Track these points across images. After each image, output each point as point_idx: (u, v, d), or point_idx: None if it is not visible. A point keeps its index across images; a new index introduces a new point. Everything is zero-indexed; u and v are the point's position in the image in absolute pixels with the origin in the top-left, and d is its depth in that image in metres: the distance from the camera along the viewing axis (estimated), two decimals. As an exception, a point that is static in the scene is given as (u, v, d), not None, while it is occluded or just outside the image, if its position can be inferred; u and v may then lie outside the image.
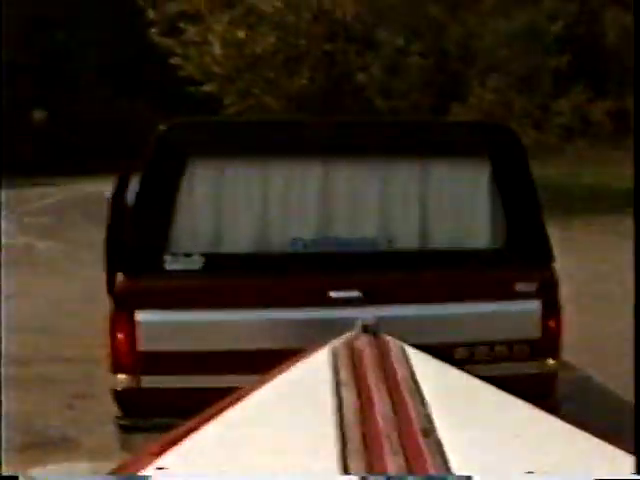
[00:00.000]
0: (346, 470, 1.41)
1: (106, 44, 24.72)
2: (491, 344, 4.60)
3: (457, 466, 1.42)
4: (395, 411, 1.69)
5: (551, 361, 4.70)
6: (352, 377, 1.94)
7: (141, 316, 4.40)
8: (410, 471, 1.39)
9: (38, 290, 9.99)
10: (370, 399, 1.77)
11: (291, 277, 4.58)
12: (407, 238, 4.70)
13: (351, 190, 4.67)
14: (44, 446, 5.48)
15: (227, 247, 4.60)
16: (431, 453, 1.46)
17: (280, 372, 2.17)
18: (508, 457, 1.57)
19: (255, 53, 16.37)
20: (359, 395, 1.80)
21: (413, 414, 1.66)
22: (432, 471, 1.38)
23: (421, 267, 4.67)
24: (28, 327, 8.24)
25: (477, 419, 1.78)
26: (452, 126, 6.00)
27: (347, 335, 2.49)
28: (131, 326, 4.40)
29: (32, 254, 12.18)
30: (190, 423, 2.03)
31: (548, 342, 4.67)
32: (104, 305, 4.63)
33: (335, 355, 2.18)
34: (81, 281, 10.05)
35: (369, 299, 4.46)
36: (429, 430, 1.56)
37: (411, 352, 2.22)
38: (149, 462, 1.56)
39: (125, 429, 4.45)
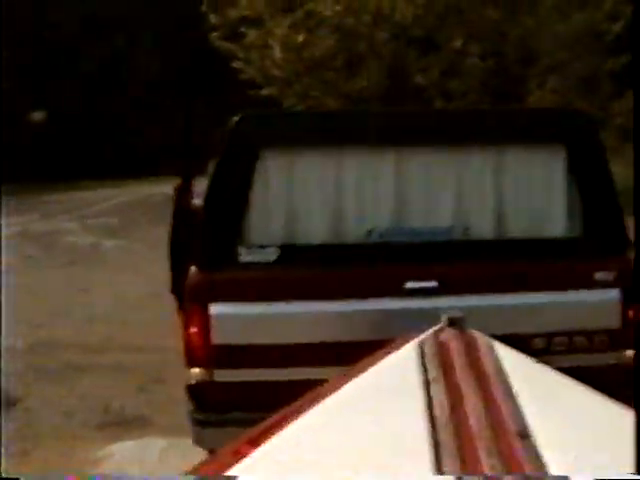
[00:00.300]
0: (440, 471, 1.37)
1: (167, 48, 25.24)
2: (569, 334, 4.49)
3: (555, 469, 1.38)
4: (487, 410, 1.64)
5: (630, 352, 4.55)
6: (441, 374, 1.88)
7: (215, 309, 4.37)
8: (505, 471, 1.36)
9: (107, 285, 10.47)
10: (461, 397, 1.72)
11: (367, 268, 4.52)
12: (483, 227, 4.63)
13: (426, 179, 4.62)
14: (120, 425, 5.90)
15: (301, 238, 4.56)
16: (527, 455, 1.42)
17: (364, 368, 2.08)
18: (606, 459, 1.51)
19: (314, 56, 16.70)
20: (449, 393, 1.75)
21: (506, 414, 1.61)
22: (529, 472, 1.36)
23: (498, 256, 4.58)
24: (101, 319, 8.72)
25: (571, 419, 1.70)
26: (528, 113, 5.96)
27: (432, 328, 2.39)
28: (205, 319, 4.36)
29: (99, 252, 12.67)
30: (270, 421, 2.02)
31: (628, 332, 4.52)
32: (170, 299, 4.91)
33: (421, 350, 2.10)
34: (147, 277, 10.52)
35: (446, 289, 4.41)
36: (524, 431, 1.52)
37: (499, 348, 2.13)
38: (232, 462, 1.54)
39: (199, 423, 4.44)
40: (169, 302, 5.18)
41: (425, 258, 4.52)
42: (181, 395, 4.62)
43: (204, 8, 19.34)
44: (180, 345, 4.56)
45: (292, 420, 1.72)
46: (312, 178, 4.56)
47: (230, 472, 1.46)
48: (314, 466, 1.45)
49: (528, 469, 1.37)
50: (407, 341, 2.26)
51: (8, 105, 21.38)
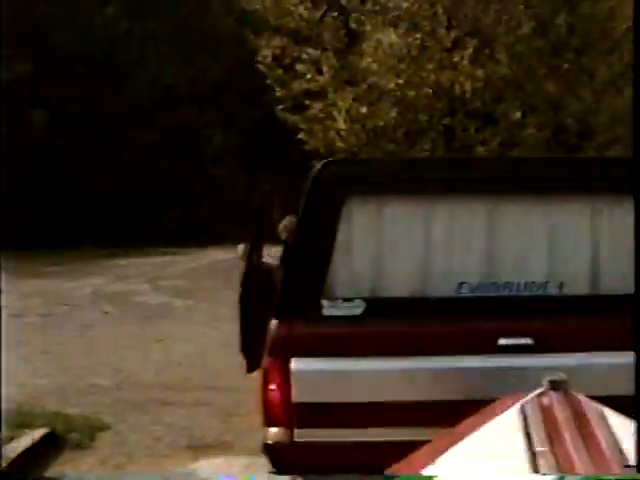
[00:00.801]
0: None
1: (232, 122, 26.35)
2: None
3: None
4: None
5: None
6: (548, 444, 1.76)
7: (297, 364, 4.22)
8: None
9: (180, 337, 11.28)
10: (574, 473, 1.61)
11: (458, 323, 4.34)
12: (579, 282, 4.46)
13: (519, 230, 4.46)
14: (206, 447, 6.62)
15: (388, 291, 4.40)
16: None
17: (463, 435, 1.98)
18: None
19: (377, 127, 17.68)
20: (559, 468, 1.64)
21: None
22: None
23: (595, 313, 4.37)
24: (177, 364, 9.51)
25: None
26: (622, 162, 6.13)
27: (534, 392, 2.24)
28: (286, 375, 4.21)
29: (170, 309, 13.49)
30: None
31: None
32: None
33: (524, 415, 1.99)
34: (217, 330, 11.32)
35: (541, 347, 4.25)
36: None
37: (610, 415, 2.02)
38: None
39: None
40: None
41: (519, 314, 4.34)
42: (258, 424, 4.61)
43: (269, 81, 20.51)
44: (251, 384, 4.94)
45: None
46: (400, 227, 4.42)
47: None
48: None
49: None
50: (507, 405, 2.10)
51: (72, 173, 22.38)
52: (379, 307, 4.32)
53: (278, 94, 20.26)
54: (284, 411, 4.25)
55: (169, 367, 9.30)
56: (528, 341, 4.26)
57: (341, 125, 19.72)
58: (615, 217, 4.42)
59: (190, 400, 7.98)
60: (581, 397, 2.21)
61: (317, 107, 19.93)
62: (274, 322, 4.32)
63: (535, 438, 1.78)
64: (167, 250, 21.22)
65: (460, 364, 4.27)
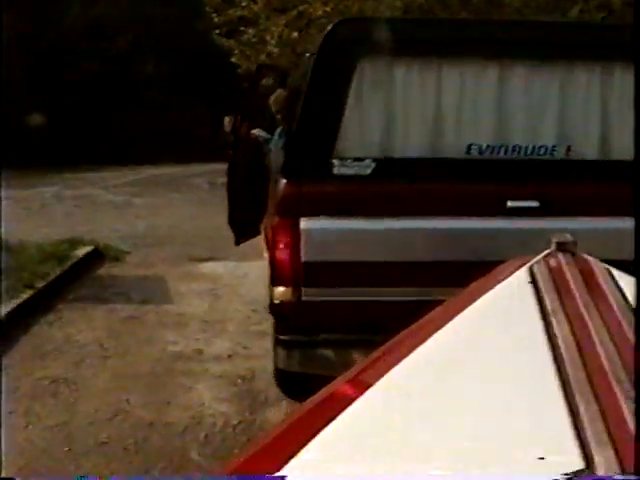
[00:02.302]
0: (577, 426, 1.21)
1: (167, 47, 28.67)
2: None
3: None
4: (617, 347, 1.49)
5: None
6: (559, 305, 1.73)
7: (307, 223, 4.33)
8: None
9: (156, 214, 14.11)
10: (588, 333, 1.57)
11: (466, 184, 4.47)
12: (587, 146, 4.56)
13: (528, 94, 4.53)
14: (202, 259, 9.69)
15: (398, 152, 4.49)
16: None
17: (472, 299, 1.89)
18: None
19: (307, 51, 20.71)
20: (573, 328, 1.59)
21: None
22: None
23: (602, 178, 4.48)
24: (165, 226, 12.50)
25: None
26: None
27: (542, 254, 2.21)
28: (295, 235, 4.33)
29: (132, 205, 16.28)
30: (373, 360, 1.90)
31: None
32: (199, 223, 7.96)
33: (533, 277, 1.95)
34: (183, 212, 14.23)
35: (547, 210, 4.39)
36: None
37: (618, 275, 1.98)
38: (337, 409, 1.37)
39: (284, 345, 4.53)
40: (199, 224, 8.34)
41: (526, 177, 4.50)
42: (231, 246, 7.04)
43: (207, 8, 23.26)
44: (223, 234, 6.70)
45: (400, 359, 1.54)
46: (410, 89, 4.50)
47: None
48: (434, 404, 1.34)
49: None
50: (516, 267, 2.09)
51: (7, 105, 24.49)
52: (389, 167, 4.43)
53: (215, 20, 23.03)
54: (292, 270, 4.38)
55: (156, 228, 12.24)
56: (535, 204, 4.40)
57: (273, 49, 22.64)
58: (625, 83, 4.46)
59: (180, 241, 11.01)
60: (589, 257, 2.16)
61: (251, 32, 22.78)
62: (283, 181, 4.44)
63: (545, 297, 1.76)
64: (105, 167, 23.52)
65: (467, 225, 4.43)
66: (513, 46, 4.53)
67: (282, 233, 4.39)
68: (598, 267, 2.04)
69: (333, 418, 1.33)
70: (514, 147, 4.51)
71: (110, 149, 28.00)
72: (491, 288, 1.94)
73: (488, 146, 4.48)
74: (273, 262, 4.49)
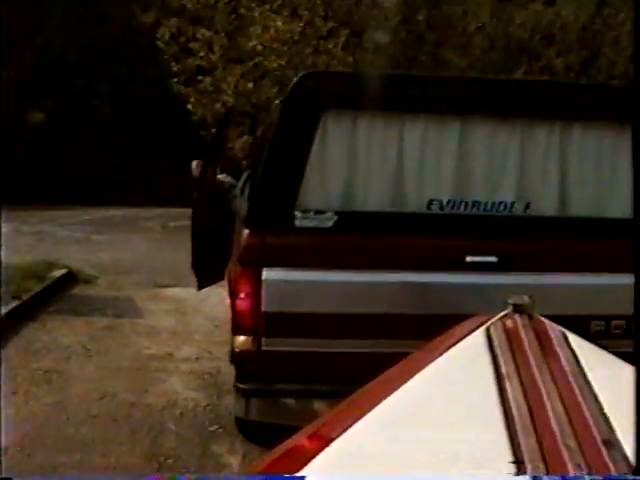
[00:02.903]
0: None
1: (122, 91, 29.85)
2: (628, 318, 4.36)
3: None
4: (568, 414, 1.56)
5: None
6: (514, 368, 1.80)
7: (268, 274, 4.47)
8: None
9: (119, 249, 15.23)
10: (540, 398, 1.64)
11: (426, 239, 4.62)
12: (546, 203, 4.74)
13: (489, 151, 4.71)
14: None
15: (360, 205, 4.66)
16: (618, 469, 1.36)
17: (429, 359, 1.95)
18: None
19: (260, 101, 22.08)
20: (525, 393, 1.66)
21: (589, 418, 1.54)
22: None
23: (559, 234, 4.70)
24: (128, 259, 13.65)
25: None
26: (595, 88, 6.08)
27: (498, 315, 2.24)
28: (257, 285, 4.47)
29: (92, 241, 17.33)
30: (334, 415, 2.06)
31: None
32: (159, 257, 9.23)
33: (490, 338, 2.01)
34: (133, 250, 15.36)
35: (506, 265, 4.57)
36: (612, 441, 1.45)
37: (573, 339, 2.03)
38: (299, 463, 1.48)
39: (243, 394, 4.71)
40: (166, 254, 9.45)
41: (486, 232, 4.66)
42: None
43: (166, 57, 24.66)
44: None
45: (358, 418, 1.60)
46: (373, 143, 4.66)
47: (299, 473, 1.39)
48: (387, 465, 1.39)
49: None
50: (473, 327, 2.12)
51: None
52: (350, 220, 4.60)
53: (174, 69, 24.42)
54: (253, 320, 4.54)
55: (119, 260, 13.39)
56: (493, 259, 4.57)
57: (229, 98, 24.06)
58: (584, 142, 4.71)
59: (144, 271, 12.19)
60: (545, 321, 2.19)
61: (207, 81, 24.19)
62: (246, 231, 4.58)
63: (500, 359, 1.81)
64: (56, 207, 24.33)
65: (428, 279, 4.58)
66: (475, 103, 4.68)
67: (244, 283, 4.56)
68: (553, 330, 2.06)
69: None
70: (474, 203, 4.68)
71: (63, 190, 28.85)
72: (448, 348, 1.95)
73: (449, 201, 4.66)
74: (234, 311, 4.70)
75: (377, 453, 1.46)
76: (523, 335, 2.02)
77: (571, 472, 1.32)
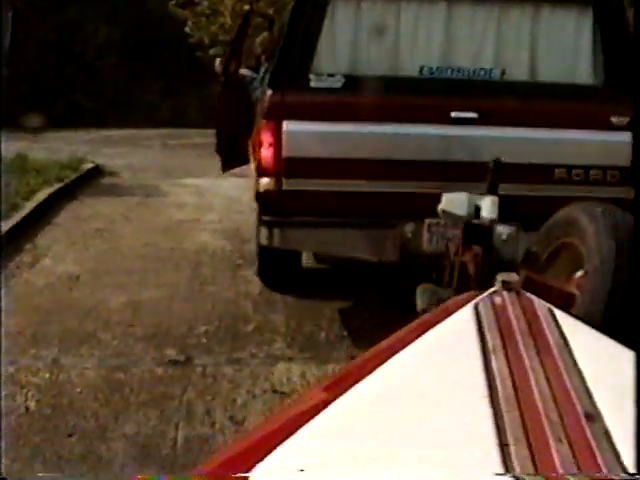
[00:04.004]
0: (506, 460, 1.33)
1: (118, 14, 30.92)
2: (587, 168, 5.52)
3: (626, 455, 1.35)
4: (552, 388, 1.62)
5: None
6: (500, 343, 1.86)
7: (288, 125, 5.44)
8: (577, 462, 1.33)
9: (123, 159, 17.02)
10: (525, 373, 1.70)
11: (419, 98, 5.54)
12: (518, 71, 5.68)
13: (471, 26, 5.65)
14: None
15: (364, 70, 5.63)
16: (599, 443, 1.39)
17: (416, 335, 1.99)
18: None
19: (257, 22, 23.50)
20: (511, 367, 1.73)
21: (573, 393, 1.59)
22: (601, 463, 1.33)
23: (530, 96, 5.61)
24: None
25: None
26: None
27: (487, 291, 2.31)
28: (278, 134, 5.41)
29: (101, 153, 18.92)
30: (320, 389, 2.08)
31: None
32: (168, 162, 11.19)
33: (478, 314, 2.08)
34: (143, 158, 17.13)
35: (485, 120, 5.46)
36: (594, 415, 1.48)
37: (560, 315, 2.10)
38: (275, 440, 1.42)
39: (267, 224, 5.69)
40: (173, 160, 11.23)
41: (468, 93, 5.58)
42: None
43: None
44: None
45: (343, 393, 1.62)
46: (375, 20, 5.65)
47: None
48: (364, 453, 1.39)
49: (601, 459, 1.34)
50: (463, 303, 2.20)
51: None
52: (356, 82, 5.50)
53: (171, -10, 25.87)
54: (275, 164, 5.45)
55: (132, 164, 15.14)
56: (474, 115, 5.44)
57: (226, 20, 25.46)
58: (551, 20, 5.70)
59: (159, 170, 13.99)
60: (533, 297, 2.24)
61: (205, 4, 25.60)
62: (269, 92, 5.57)
63: (488, 337, 1.88)
64: (57, 129, 25.74)
65: (420, 131, 5.50)
66: None
67: (268, 133, 5.46)
68: (541, 307, 2.14)
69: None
70: (459, 69, 5.63)
71: (64, 112, 29.96)
72: (436, 324, 2.02)
73: (437, 67, 5.63)
74: (259, 159, 5.60)
75: (362, 429, 1.48)
76: (510, 311, 2.09)
77: (552, 446, 1.36)
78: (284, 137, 5.41)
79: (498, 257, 4.19)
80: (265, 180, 5.54)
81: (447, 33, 5.63)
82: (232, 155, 7.75)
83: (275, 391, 5.00)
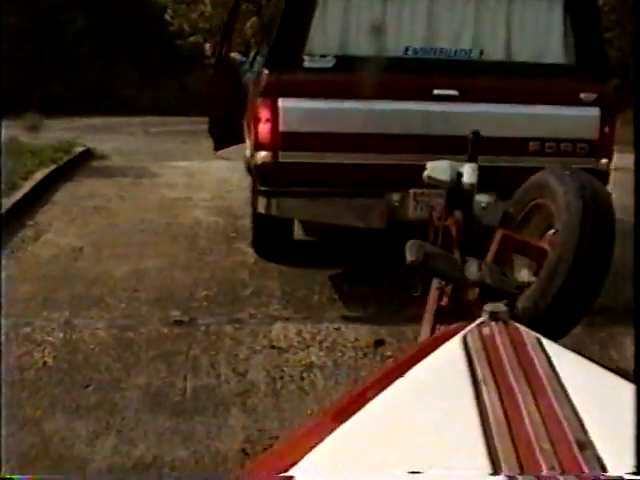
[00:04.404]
0: None
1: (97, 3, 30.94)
2: (558, 141, 5.96)
3: None
4: (543, 417, 1.62)
5: (605, 160, 6.04)
6: (490, 374, 1.86)
7: (283, 102, 5.86)
8: None
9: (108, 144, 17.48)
10: (515, 402, 1.70)
11: (404, 76, 5.93)
12: (496, 51, 6.11)
13: (452, 10, 6.07)
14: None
15: (353, 51, 6.02)
16: (591, 471, 1.40)
17: (406, 367, 1.98)
18: None
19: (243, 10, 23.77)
20: (501, 397, 1.73)
21: (564, 421, 1.59)
22: None
23: (506, 74, 6.04)
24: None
25: (631, 424, 1.58)
26: None
27: (474, 322, 2.28)
28: (275, 110, 5.81)
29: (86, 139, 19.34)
30: (314, 423, 2.15)
31: (604, 144, 5.97)
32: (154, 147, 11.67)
33: (466, 345, 2.08)
34: (128, 144, 17.59)
35: (465, 97, 5.91)
36: (586, 442, 1.49)
37: (547, 344, 2.09)
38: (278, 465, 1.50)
39: (265, 194, 6.11)
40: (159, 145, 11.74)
41: (449, 72, 6.00)
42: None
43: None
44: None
45: (336, 425, 1.64)
46: (363, 5, 6.05)
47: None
48: (364, 474, 1.43)
49: None
50: (450, 335, 2.18)
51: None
52: (346, 62, 5.89)
53: (153, -22, 26.28)
54: (272, 138, 5.83)
55: (119, 148, 15.56)
56: (455, 92, 5.87)
57: (207, 8, 25.86)
58: (526, 5, 6.14)
59: (147, 153, 14.45)
60: (520, 327, 2.23)
61: (186, -9, 26.08)
62: (266, 72, 5.94)
63: (478, 368, 1.88)
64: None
65: (405, 107, 5.93)
66: None
67: (265, 110, 5.86)
68: (528, 336, 2.13)
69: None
70: (441, 50, 6.06)
71: (42, 102, 30.12)
72: (426, 356, 2.01)
73: (421, 48, 6.05)
74: (257, 133, 6.00)
75: (354, 458, 1.51)
76: (499, 342, 2.08)
77: (545, 472, 1.38)
78: (280, 113, 5.82)
79: (479, 223, 4.37)
80: (263, 153, 5.93)
81: (430, 17, 6.03)
82: (224, 135, 8.20)
83: (273, 347, 5.50)
